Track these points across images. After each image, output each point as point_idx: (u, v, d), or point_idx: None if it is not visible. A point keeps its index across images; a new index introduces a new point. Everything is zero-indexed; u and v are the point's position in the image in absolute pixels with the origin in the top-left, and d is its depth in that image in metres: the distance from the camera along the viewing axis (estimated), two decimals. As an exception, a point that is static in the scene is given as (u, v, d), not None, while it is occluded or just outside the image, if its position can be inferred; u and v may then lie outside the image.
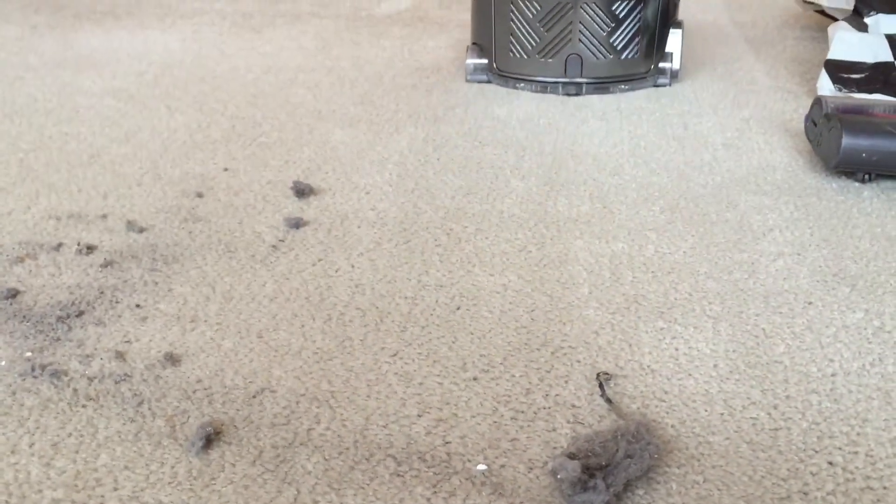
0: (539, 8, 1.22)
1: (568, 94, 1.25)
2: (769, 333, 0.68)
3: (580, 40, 1.22)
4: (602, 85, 1.26)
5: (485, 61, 1.29)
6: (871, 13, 1.30)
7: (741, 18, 1.73)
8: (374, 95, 1.26)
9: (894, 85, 1.14)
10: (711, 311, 0.72)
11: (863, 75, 1.17)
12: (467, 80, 1.30)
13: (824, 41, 1.45)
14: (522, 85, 1.27)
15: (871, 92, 1.14)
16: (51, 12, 1.76)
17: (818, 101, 1.00)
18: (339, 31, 1.64)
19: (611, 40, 1.23)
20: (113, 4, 1.83)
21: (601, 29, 1.22)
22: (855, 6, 1.34)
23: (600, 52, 1.23)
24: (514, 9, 1.23)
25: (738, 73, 1.37)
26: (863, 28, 1.28)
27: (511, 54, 1.26)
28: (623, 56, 1.24)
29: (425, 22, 1.72)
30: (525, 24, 1.23)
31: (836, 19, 1.41)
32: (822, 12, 1.54)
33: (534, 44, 1.24)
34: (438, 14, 1.79)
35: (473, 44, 1.33)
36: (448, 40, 1.57)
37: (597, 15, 1.21)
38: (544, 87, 1.26)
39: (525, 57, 1.25)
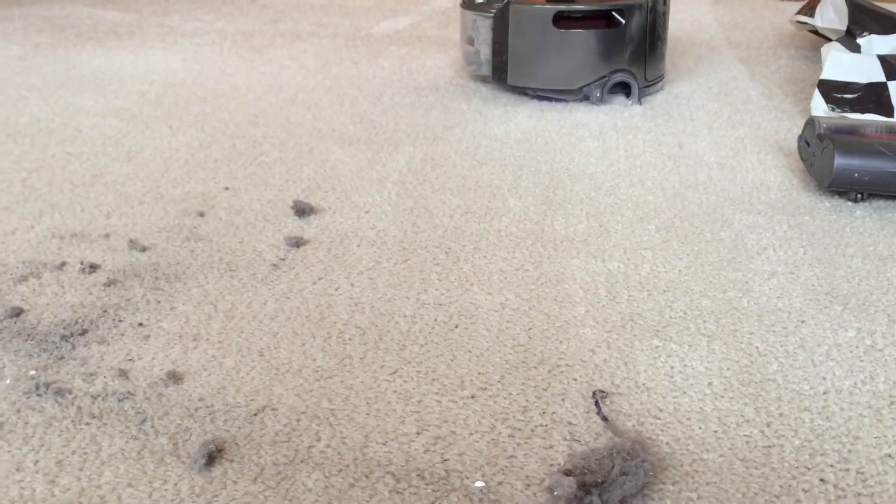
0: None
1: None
2: (762, 352, 0.69)
3: None
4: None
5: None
6: (864, 34, 1.32)
7: (736, 38, 1.76)
8: (373, 114, 1.27)
9: (886, 105, 1.16)
10: (706, 329, 0.73)
11: (856, 95, 1.19)
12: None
13: (818, 61, 1.47)
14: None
15: (863, 112, 1.16)
16: (53, 32, 1.77)
17: (811, 122, 1.02)
18: (338, 50, 1.66)
19: None
20: (114, 24, 1.85)
21: None
22: (848, 27, 1.36)
23: None
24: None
25: (733, 92, 1.38)
26: (855, 49, 1.30)
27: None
28: None
29: (423, 41, 1.74)
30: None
31: (829, 39, 1.43)
32: (815, 32, 1.57)
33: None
34: (437, 34, 1.81)
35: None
36: (446, 59, 1.59)
37: None
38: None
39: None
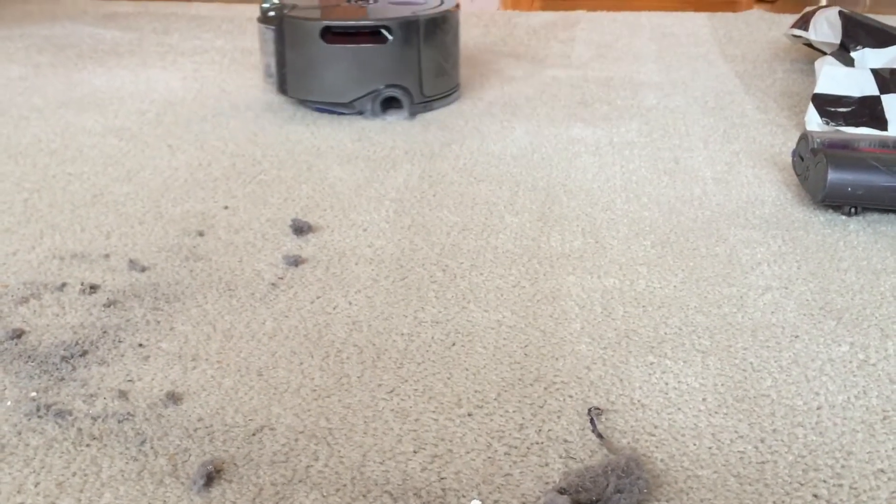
0: None
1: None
2: (757, 367, 0.70)
3: None
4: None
5: None
6: (858, 48, 1.33)
7: (731, 52, 1.77)
8: (371, 132, 1.28)
9: (880, 118, 1.17)
10: (701, 345, 0.73)
11: (849, 109, 1.20)
12: None
13: (813, 74, 1.48)
14: None
15: (857, 125, 1.17)
16: (54, 52, 1.79)
17: (804, 136, 1.03)
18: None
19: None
20: (115, 43, 1.87)
21: None
22: (841, 41, 1.37)
23: None
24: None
25: (728, 106, 1.39)
26: (849, 62, 1.31)
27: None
28: None
29: (422, 58, 1.75)
30: None
31: (823, 53, 1.44)
32: (810, 46, 1.58)
33: None
34: (435, 50, 1.82)
35: None
36: (444, 76, 1.60)
37: None
38: None
39: None
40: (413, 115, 1.35)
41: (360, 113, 1.34)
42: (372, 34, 1.30)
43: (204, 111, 1.38)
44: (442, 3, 1.40)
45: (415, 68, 1.33)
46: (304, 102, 1.38)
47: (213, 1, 2.41)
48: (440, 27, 1.35)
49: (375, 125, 1.31)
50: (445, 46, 1.37)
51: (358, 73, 1.32)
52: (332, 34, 1.30)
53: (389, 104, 1.35)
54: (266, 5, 1.33)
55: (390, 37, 1.30)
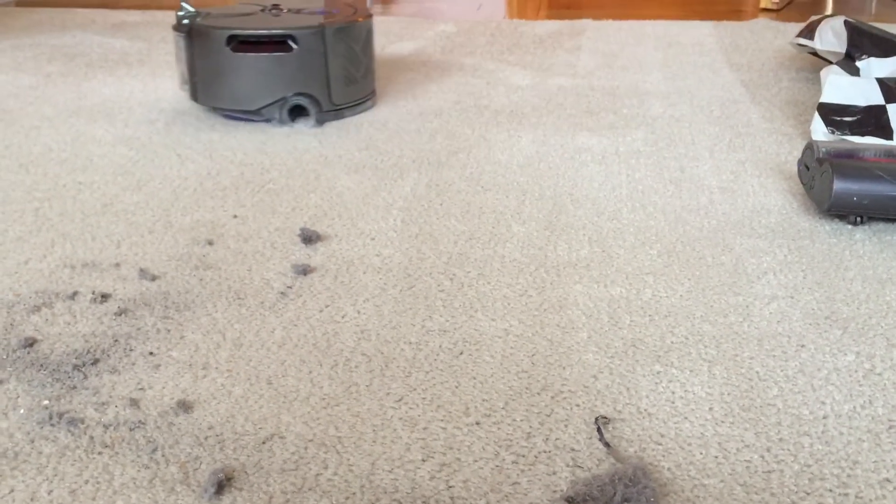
0: None
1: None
2: (763, 377, 0.70)
3: None
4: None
5: None
6: (863, 57, 1.34)
7: (737, 61, 1.77)
8: (378, 140, 1.29)
9: (886, 127, 1.17)
10: (707, 354, 0.74)
11: (855, 118, 1.20)
12: None
13: (818, 83, 1.48)
14: None
15: (863, 134, 1.17)
16: (64, 61, 1.80)
17: (810, 146, 1.03)
18: (344, 76, 1.68)
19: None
20: (124, 53, 1.88)
21: None
22: (847, 50, 1.38)
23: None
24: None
25: (734, 115, 1.40)
26: (854, 72, 1.31)
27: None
28: None
29: (428, 66, 1.76)
30: None
31: (829, 62, 1.45)
32: (815, 55, 1.58)
33: None
34: (441, 58, 1.83)
35: None
36: (451, 84, 1.61)
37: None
38: None
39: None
40: (321, 123, 1.37)
41: (268, 121, 1.36)
42: (278, 43, 1.33)
43: (212, 120, 1.39)
44: (355, 12, 1.42)
45: (322, 77, 1.35)
46: (216, 110, 1.41)
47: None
48: (348, 36, 1.37)
49: (381, 135, 1.32)
50: (355, 55, 1.39)
51: (264, 82, 1.34)
52: (238, 42, 1.32)
53: (299, 112, 1.37)
54: (181, 13, 1.35)
55: (295, 46, 1.32)
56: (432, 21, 2.28)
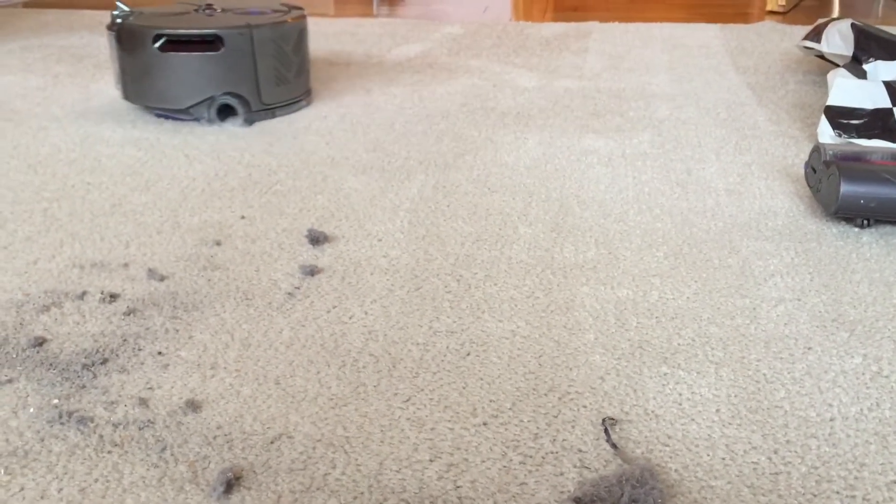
0: None
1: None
2: (770, 379, 0.70)
3: None
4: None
5: None
6: (870, 60, 1.34)
7: (743, 63, 1.77)
8: (386, 142, 1.29)
9: (892, 131, 1.17)
10: (714, 356, 0.74)
11: (862, 121, 1.20)
12: None
13: (825, 86, 1.48)
14: None
15: (870, 138, 1.17)
16: (72, 62, 1.81)
17: (817, 149, 1.03)
18: (350, 77, 1.69)
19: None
20: (132, 53, 1.89)
21: None
22: (854, 53, 1.38)
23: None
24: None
25: (740, 118, 1.40)
26: (861, 75, 1.31)
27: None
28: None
29: (435, 69, 1.77)
30: None
31: (835, 65, 1.45)
32: (822, 57, 1.58)
33: None
34: (447, 60, 1.84)
35: None
36: (457, 86, 1.61)
37: None
38: None
39: None
40: (250, 122, 1.38)
41: (197, 120, 1.38)
42: (206, 43, 1.34)
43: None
44: (288, 12, 1.44)
45: (251, 77, 1.36)
46: (149, 108, 1.42)
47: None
48: (278, 37, 1.38)
49: (389, 136, 1.32)
50: (285, 55, 1.40)
51: (192, 81, 1.35)
52: (166, 42, 1.33)
53: (229, 111, 1.38)
54: (116, 12, 1.36)
55: (223, 45, 1.33)
56: (438, 23, 2.28)
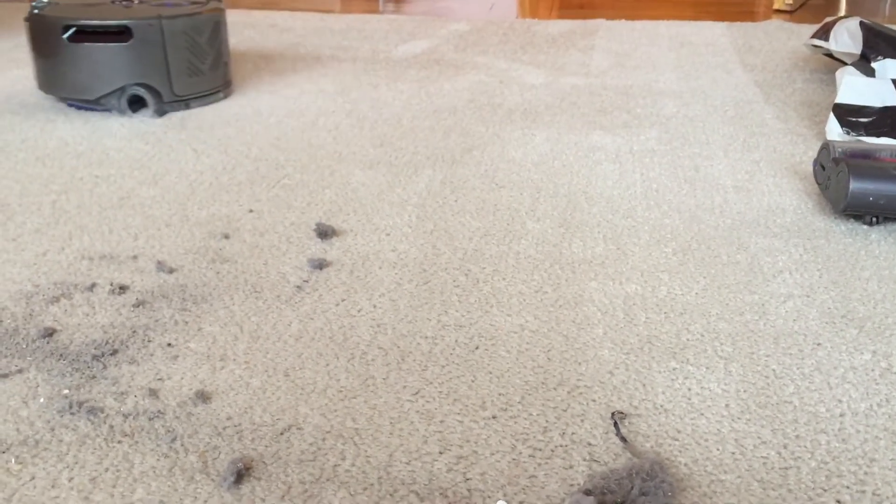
0: None
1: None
2: (779, 374, 0.70)
3: None
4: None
5: None
6: (878, 58, 1.34)
7: (751, 61, 1.77)
8: (393, 137, 1.29)
9: (901, 129, 1.17)
10: (723, 351, 0.74)
11: (870, 119, 1.20)
12: None
13: (833, 84, 1.48)
14: None
15: (879, 135, 1.17)
16: None
17: (826, 146, 1.03)
18: (357, 74, 1.69)
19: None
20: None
21: None
22: (862, 51, 1.37)
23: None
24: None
25: (748, 116, 1.40)
26: (870, 73, 1.31)
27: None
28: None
29: (441, 65, 1.76)
30: None
31: (844, 63, 1.45)
32: (830, 56, 1.58)
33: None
34: (454, 57, 1.84)
35: None
36: (464, 83, 1.61)
37: None
38: None
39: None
40: (161, 113, 1.39)
41: (109, 110, 1.38)
42: (116, 34, 1.35)
43: (227, 115, 1.40)
44: (206, 4, 1.45)
45: (162, 68, 1.37)
46: (63, 99, 1.43)
47: (235, 7, 2.44)
48: (190, 28, 1.39)
49: (396, 132, 1.32)
50: (199, 47, 1.41)
51: (102, 72, 1.36)
52: (75, 32, 1.34)
53: (143, 102, 1.38)
54: (35, 3, 1.38)
55: (132, 36, 1.34)
56: (445, 20, 2.28)
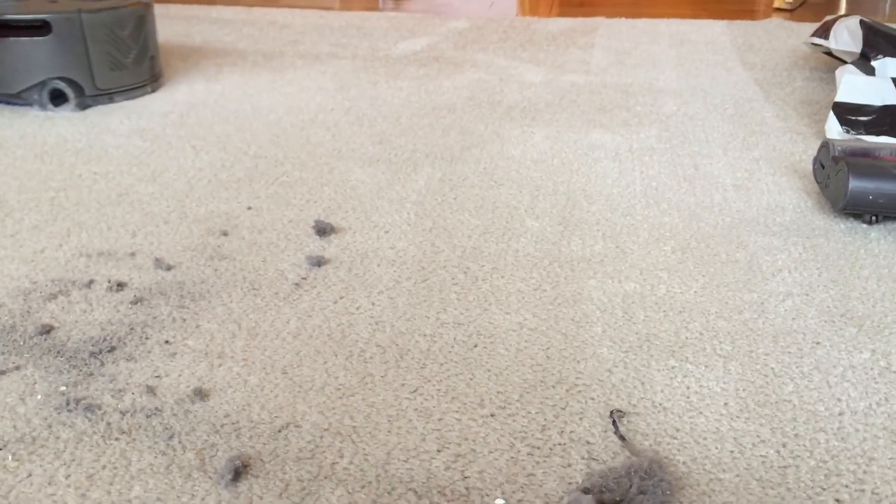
0: None
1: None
2: (778, 373, 0.70)
3: None
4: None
5: None
6: (878, 57, 1.33)
7: (751, 60, 1.77)
8: (392, 135, 1.29)
9: (901, 127, 1.17)
10: (722, 350, 0.74)
11: (870, 118, 1.20)
12: None
13: (833, 83, 1.48)
14: None
15: (878, 134, 1.17)
16: None
17: (825, 144, 1.03)
18: (356, 71, 1.69)
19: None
20: (138, 45, 1.88)
21: None
22: (862, 50, 1.37)
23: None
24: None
25: (748, 114, 1.40)
26: (870, 71, 1.31)
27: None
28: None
29: (441, 62, 1.76)
30: None
31: (843, 62, 1.45)
32: (830, 54, 1.58)
33: None
34: (454, 54, 1.84)
35: None
36: (463, 80, 1.61)
37: None
38: None
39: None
40: (82, 107, 1.39)
41: (30, 104, 1.38)
42: (37, 27, 1.35)
43: (226, 113, 1.40)
44: None
45: (83, 62, 1.38)
46: None
47: (234, 4, 2.43)
48: (112, 22, 1.39)
49: (395, 129, 1.32)
50: (121, 41, 1.41)
51: (21, 66, 1.37)
52: None
53: (64, 96, 1.38)
54: None
55: (51, 31, 1.34)
56: (444, 17, 2.28)
